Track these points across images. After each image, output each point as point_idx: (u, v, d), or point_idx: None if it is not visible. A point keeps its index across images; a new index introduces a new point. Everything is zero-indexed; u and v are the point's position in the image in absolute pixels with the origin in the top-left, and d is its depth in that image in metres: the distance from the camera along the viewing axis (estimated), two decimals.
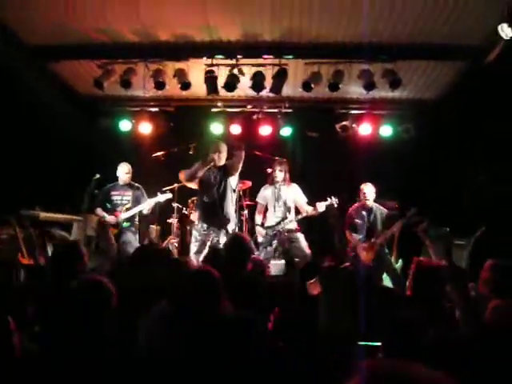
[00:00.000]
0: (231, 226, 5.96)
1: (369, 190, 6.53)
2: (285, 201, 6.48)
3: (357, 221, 6.57)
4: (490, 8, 5.29)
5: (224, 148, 6.02)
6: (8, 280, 4.00)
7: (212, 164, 5.88)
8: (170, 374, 2.22)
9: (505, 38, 5.30)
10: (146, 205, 6.53)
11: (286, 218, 6.45)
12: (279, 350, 2.94)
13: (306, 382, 2.45)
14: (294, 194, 6.56)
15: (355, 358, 2.41)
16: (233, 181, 6.06)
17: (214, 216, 5.87)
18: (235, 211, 6.31)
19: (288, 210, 6.49)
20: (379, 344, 2.79)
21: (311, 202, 6.45)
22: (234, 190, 6.19)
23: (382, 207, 6.59)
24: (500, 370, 1.87)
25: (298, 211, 6.57)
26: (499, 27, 5.28)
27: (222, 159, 5.97)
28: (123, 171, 6.67)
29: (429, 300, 2.85)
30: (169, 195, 6.91)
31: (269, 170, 6.76)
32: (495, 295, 2.80)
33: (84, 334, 2.23)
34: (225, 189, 5.96)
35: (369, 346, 2.80)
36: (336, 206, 6.29)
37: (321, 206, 6.26)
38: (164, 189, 7.20)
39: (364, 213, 6.55)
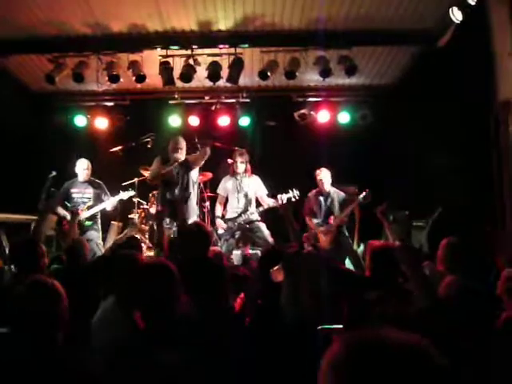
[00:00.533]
0: (193, 219, 5.92)
1: (324, 175, 6.53)
2: (246, 192, 6.43)
3: (315, 206, 6.60)
4: None
5: (183, 143, 5.95)
6: None
7: (175, 164, 5.84)
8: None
9: (455, 21, 5.41)
10: (109, 203, 6.36)
11: (248, 209, 6.40)
12: (247, 331, 2.93)
13: (271, 366, 2.44)
14: (255, 186, 6.51)
15: (318, 341, 2.42)
16: (194, 174, 6.01)
17: (177, 210, 5.81)
18: (196, 203, 6.25)
19: (249, 201, 6.43)
20: (340, 326, 2.81)
21: (271, 192, 6.44)
22: (196, 183, 6.14)
23: (339, 191, 6.61)
24: (452, 343, 1.91)
25: (259, 203, 6.54)
26: (450, 11, 5.37)
27: (182, 155, 5.91)
28: (82, 168, 6.48)
29: (385, 280, 2.89)
30: (131, 192, 6.77)
31: (229, 161, 6.69)
32: (449, 271, 2.87)
33: (34, 340, 2.12)
34: (187, 183, 5.92)
35: (330, 329, 2.82)
36: (297, 198, 6.28)
37: (282, 199, 6.23)
38: (124, 184, 7.06)
39: (321, 198, 6.55)
